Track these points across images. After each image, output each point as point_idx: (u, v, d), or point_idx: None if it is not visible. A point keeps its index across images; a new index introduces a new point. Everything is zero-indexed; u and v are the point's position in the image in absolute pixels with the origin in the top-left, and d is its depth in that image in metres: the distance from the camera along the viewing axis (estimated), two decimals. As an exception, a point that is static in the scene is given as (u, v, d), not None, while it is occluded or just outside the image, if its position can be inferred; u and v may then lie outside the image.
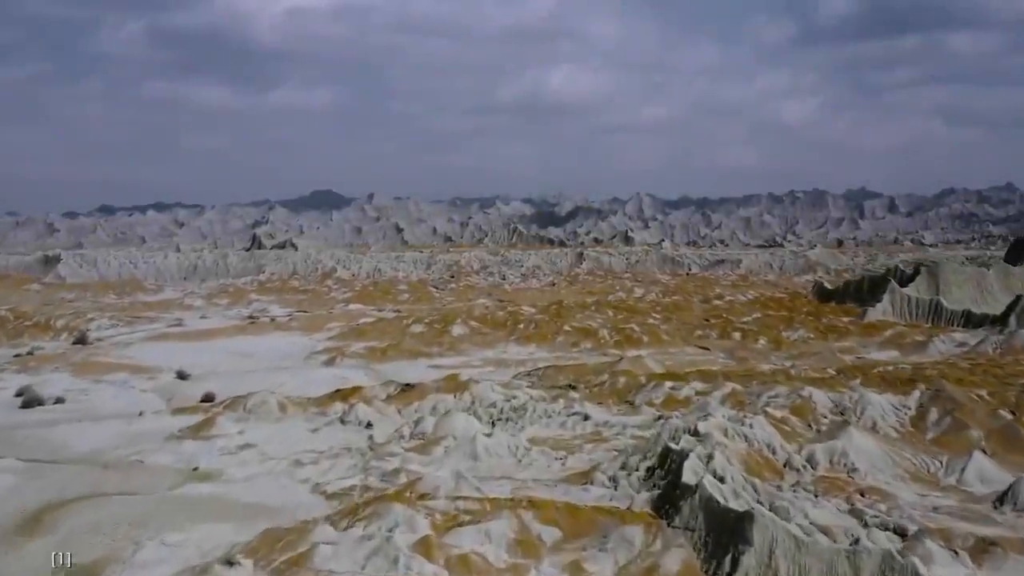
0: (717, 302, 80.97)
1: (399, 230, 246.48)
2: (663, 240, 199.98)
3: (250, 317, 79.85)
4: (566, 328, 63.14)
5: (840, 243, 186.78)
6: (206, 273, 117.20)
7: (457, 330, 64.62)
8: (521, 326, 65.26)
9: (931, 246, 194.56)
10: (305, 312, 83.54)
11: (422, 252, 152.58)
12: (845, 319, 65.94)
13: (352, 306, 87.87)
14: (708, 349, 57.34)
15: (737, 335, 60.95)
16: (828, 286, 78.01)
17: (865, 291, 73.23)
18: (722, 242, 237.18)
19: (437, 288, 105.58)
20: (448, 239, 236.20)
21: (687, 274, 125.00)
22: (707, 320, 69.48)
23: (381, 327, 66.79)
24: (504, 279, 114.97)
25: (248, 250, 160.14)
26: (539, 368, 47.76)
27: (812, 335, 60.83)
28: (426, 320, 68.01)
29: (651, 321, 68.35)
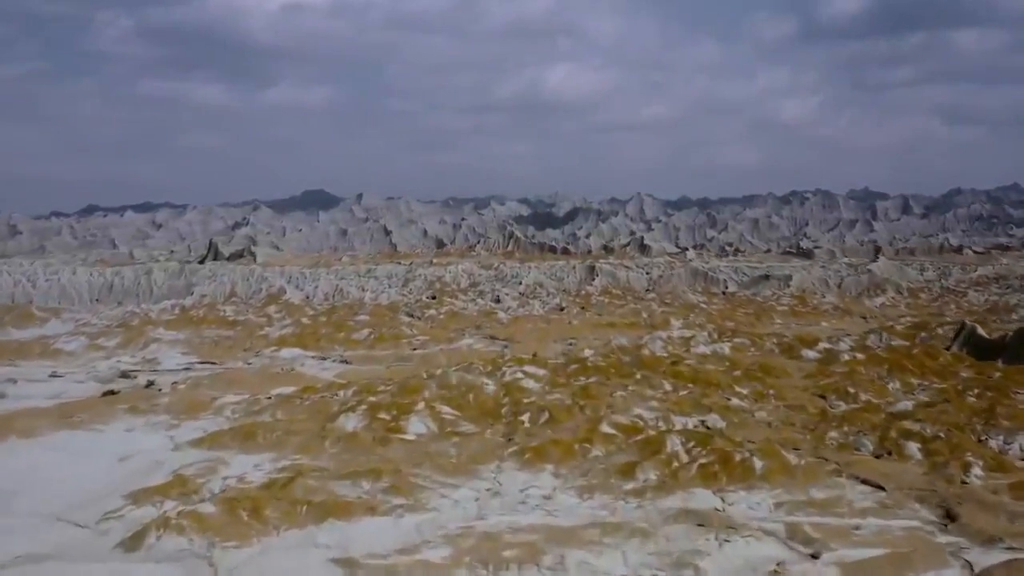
0: (810, 353, 51.91)
1: (387, 232, 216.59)
2: (687, 249, 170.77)
3: (122, 376, 50.81)
4: (604, 428, 34.20)
5: (878, 249, 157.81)
6: (123, 294, 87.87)
7: (416, 426, 35.78)
8: (525, 419, 36.39)
9: (993, 251, 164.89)
10: (212, 364, 54.63)
11: (400, 264, 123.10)
12: (1074, 406, 37.10)
13: (284, 352, 58.97)
14: (884, 489, 28.43)
15: (914, 447, 32.06)
16: (983, 334, 49.05)
17: (1054, 345, 44.59)
18: (730, 245, 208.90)
19: (411, 316, 76.64)
20: (439, 243, 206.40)
21: (724, 293, 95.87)
22: (823, 397, 40.71)
23: (290, 419, 37.79)
24: (498, 302, 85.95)
25: (202, 261, 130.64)
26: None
27: (1044, 446, 32.00)
28: (372, 398, 39.17)
29: (736, 403, 39.56)
